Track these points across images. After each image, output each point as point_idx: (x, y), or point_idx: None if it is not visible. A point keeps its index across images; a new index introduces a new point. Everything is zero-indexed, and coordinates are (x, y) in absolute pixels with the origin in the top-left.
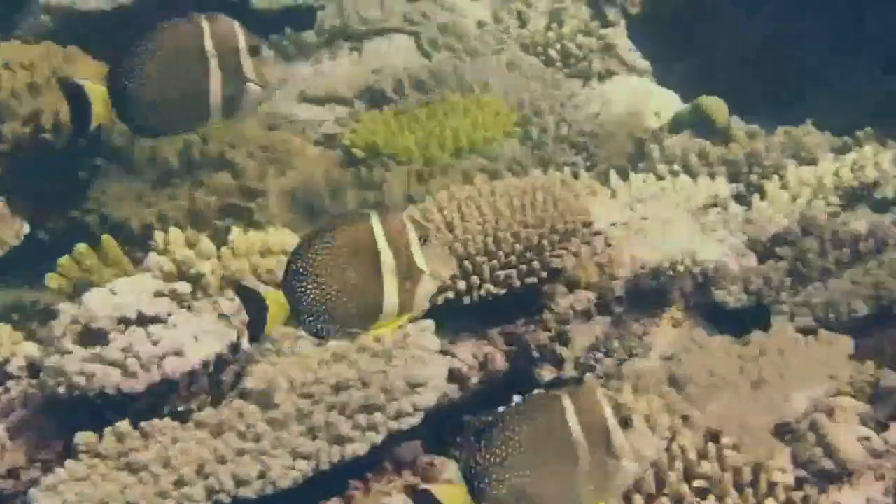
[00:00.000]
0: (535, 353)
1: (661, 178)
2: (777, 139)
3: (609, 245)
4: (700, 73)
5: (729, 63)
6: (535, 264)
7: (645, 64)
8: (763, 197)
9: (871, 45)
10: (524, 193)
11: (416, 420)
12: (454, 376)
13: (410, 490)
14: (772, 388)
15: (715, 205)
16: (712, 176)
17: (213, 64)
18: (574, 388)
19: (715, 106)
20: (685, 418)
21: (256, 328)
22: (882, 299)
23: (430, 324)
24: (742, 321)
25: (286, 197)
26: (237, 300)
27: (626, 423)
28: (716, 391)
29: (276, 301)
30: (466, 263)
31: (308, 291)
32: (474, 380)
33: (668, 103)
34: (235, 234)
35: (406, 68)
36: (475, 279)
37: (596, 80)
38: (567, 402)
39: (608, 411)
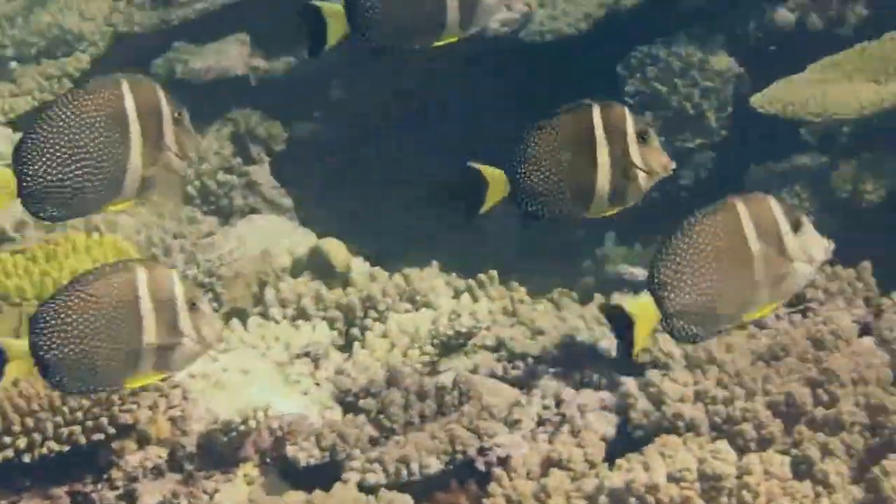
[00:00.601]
0: None
1: (275, 321)
2: (394, 282)
3: (185, 398)
4: (355, 211)
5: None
6: (104, 420)
7: (288, 202)
8: (363, 345)
9: None
10: None
11: None
12: None
13: None
14: None
15: (308, 354)
16: (328, 320)
17: None
18: (748, 194)
19: (334, 249)
20: None
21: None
22: (457, 454)
23: None
24: (317, 478)
25: None
26: None
27: (797, 226)
28: None
29: (496, 179)
30: (28, 420)
31: (529, 174)
32: None
33: (303, 242)
34: None
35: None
36: (37, 436)
37: (237, 218)
38: (742, 209)
39: (781, 216)
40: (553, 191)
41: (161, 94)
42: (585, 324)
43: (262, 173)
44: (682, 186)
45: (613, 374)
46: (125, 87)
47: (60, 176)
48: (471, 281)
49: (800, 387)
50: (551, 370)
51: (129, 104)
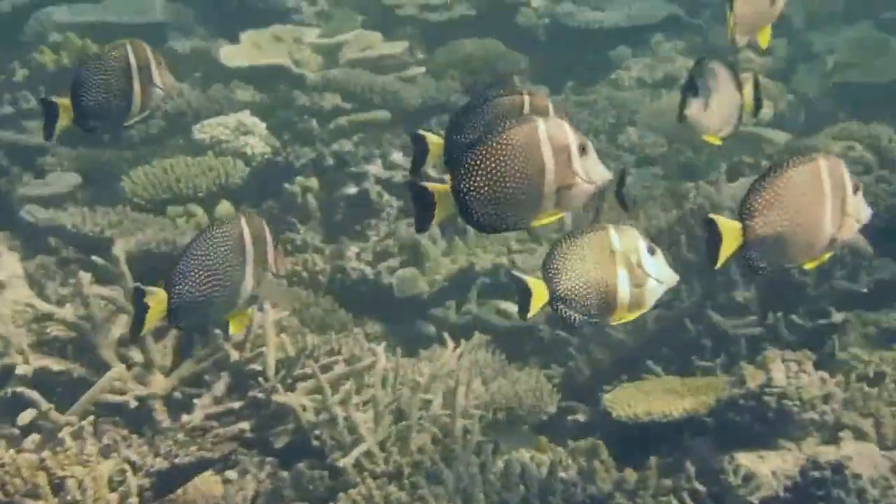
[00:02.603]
0: None
1: None
2: None
3: None
4: None
5: None
6: None
7: None
8: None
9: None
10: None
11: None
12: None
13: None
14: None
15: None
16: None
17: None
18: (825, 152)
19: None
20: None
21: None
22: None
23: None
24: None
25: None
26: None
27: (856, 188)
28: None
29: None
30: None
31: (477, 188)
32: None
33: None
34: None
35: None
36: None
37: None
38: (822, 163)
39: (847, 176)
40: (500, 203)
41: (266, 227)
42: None
43: None
44: None
45: None
46: (243, 221)
47: (198, 295)
48: None
49: None
50: None
51: (247, 236)
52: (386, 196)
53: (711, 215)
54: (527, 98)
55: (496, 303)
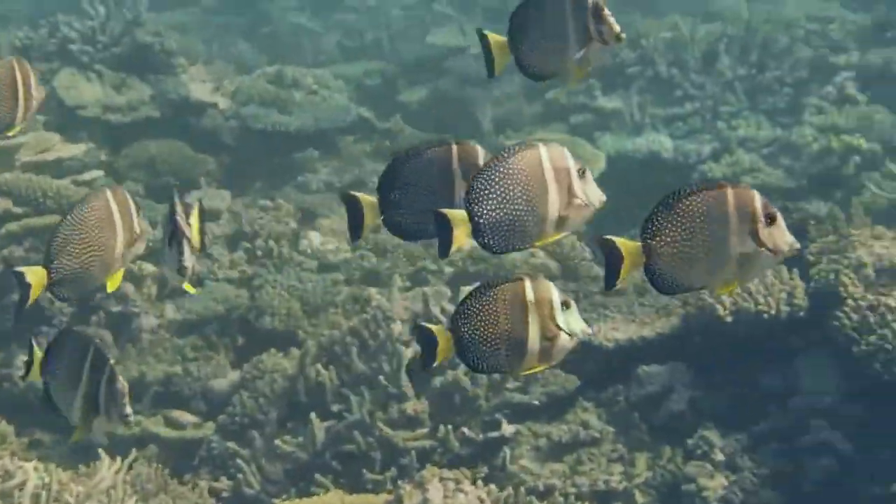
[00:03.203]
0: None
1: None
2: None
3: None
4: None
5: None
6: None
7: None
8: None
9: None
10: None
11: None
12: None
13: None
14: None
15: None
16: None
17: None
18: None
19: None
20: None
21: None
22: None
23: None
24: None
25: None
26: None
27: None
28: None
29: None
30: None
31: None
32: None
33: None
34: None
35: None
36: None
37: None
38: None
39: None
40: (509, 225)
41: (129, 197)
42: None
43: None
44: None
45: None
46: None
47: (77, 266)
48: None
49: None
50: None
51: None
52: (57, 303)
53: (607, 237)
54: (455, 148)
55: (166, 412)
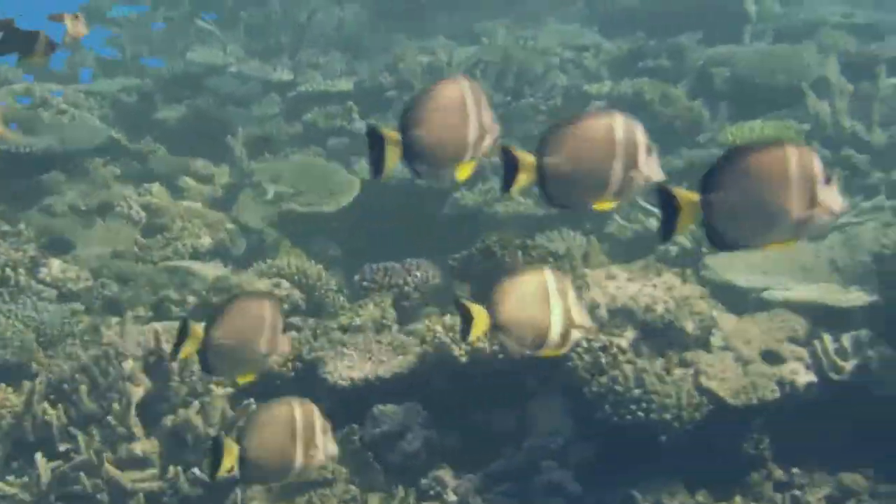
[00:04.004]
0: None
1: None
2: None
3: None
4: None
5: None
6: None
7: None
8: None
9: None
10: None
11: None
12: None
13: None
14: None
15: None
16: None
17: None
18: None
19: None
20: None
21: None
22: None
23: None
24: None
25: None
26: None
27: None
28: None
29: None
30: None
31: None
32: None
33: None
34: None
35: None
36: None
37: None
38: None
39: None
40: (573, 182)
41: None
42: None
43: None
44: None
45: None
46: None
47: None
48: None
49: None
50: None
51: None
52: None
53: (666, 186)
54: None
55: None
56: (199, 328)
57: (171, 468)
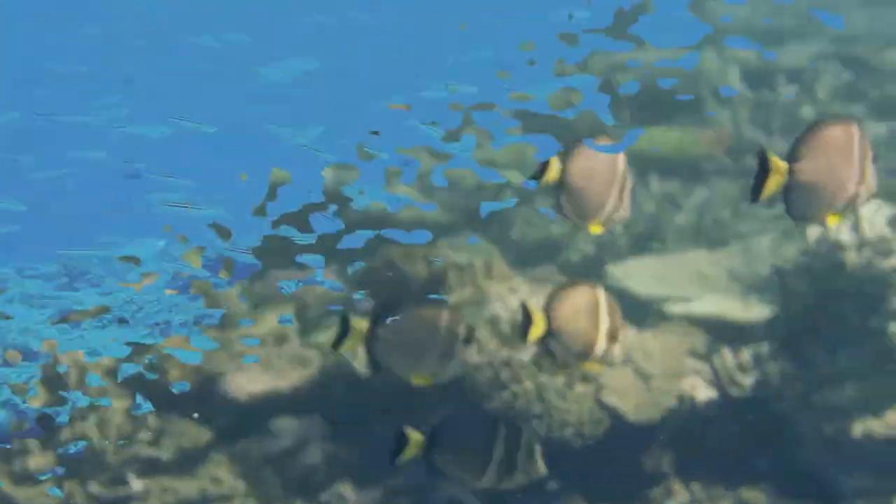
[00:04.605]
0: None
1: None
2: None
3: None
4: None
5: None
6: None
7: None
8: None
9: None
10: None
11: None
12: None
13: None
14: None
15: None
16: None
17: None
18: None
19: None
20: None
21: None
22: None
23: None
24: None
25: None
26: None
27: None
28: None
29: None
30: None
31: None
32: None
33: None
34: None
35: None
36: None
37: None
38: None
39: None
40: None
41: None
42: None
43: None
44: None
45: None
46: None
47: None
48: None
49: None
50: None
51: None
52: None
53: (766, 149)
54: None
55: None
56: (361, 323)
57: (67, 484)
